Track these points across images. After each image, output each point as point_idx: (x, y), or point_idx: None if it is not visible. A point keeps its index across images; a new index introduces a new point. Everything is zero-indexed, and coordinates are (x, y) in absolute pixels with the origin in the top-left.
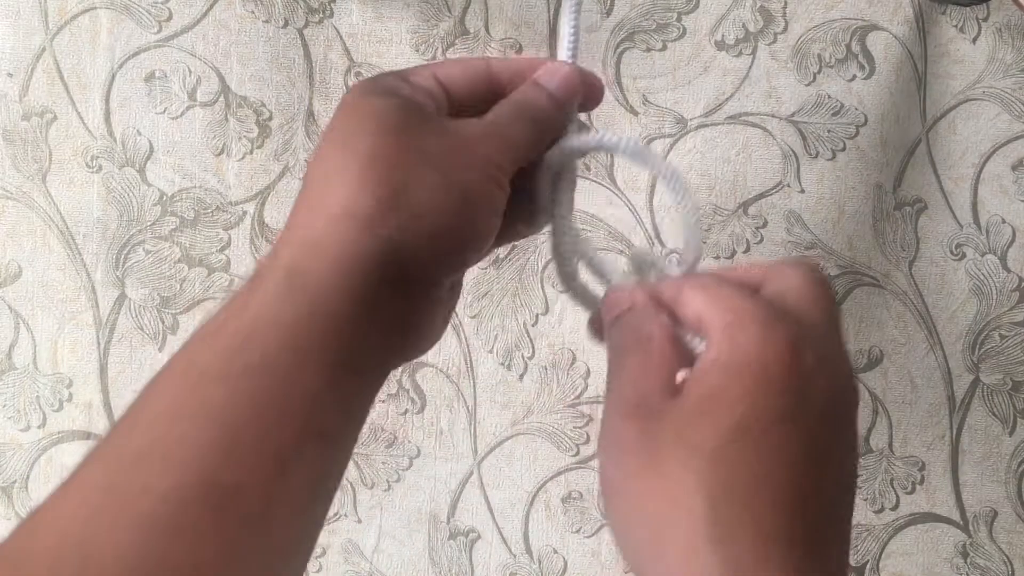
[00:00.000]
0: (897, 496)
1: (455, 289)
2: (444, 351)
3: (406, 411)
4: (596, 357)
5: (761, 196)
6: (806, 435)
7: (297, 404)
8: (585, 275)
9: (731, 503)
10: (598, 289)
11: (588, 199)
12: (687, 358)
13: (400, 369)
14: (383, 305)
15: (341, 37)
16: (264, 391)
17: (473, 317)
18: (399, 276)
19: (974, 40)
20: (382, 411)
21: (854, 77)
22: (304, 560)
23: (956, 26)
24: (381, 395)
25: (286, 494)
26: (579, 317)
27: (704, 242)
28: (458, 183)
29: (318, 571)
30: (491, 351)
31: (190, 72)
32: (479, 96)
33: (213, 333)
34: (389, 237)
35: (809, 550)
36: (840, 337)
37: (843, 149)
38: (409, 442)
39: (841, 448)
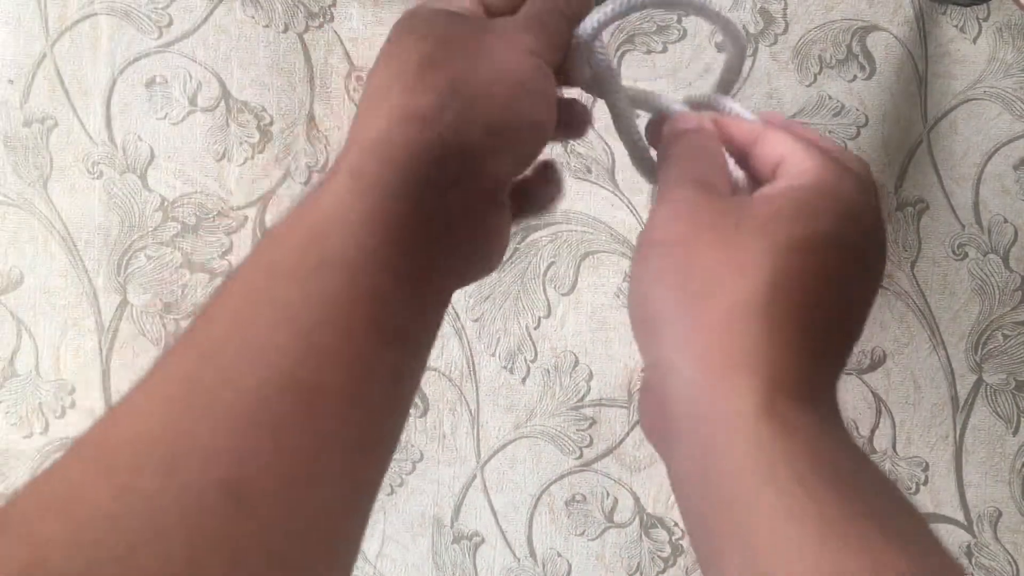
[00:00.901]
0: None
1: (511, 209)
2: (446, 355)
3: (409, 415)
4: (598, 360)
5: None
6: (865, 271)
7: (369, 303)
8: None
9: (793, 292)
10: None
11: (589, 202)
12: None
13: None
14: (445, 202)
15: (342, 41)
16: (335, 289)
17: (475, 320)
18: (459, 170)
19: (975, 40)
20: None
21: (855, 78)
22: (384, 464)
23: (956, 26)
24: None
25: (367, 394)
26: (581, 320)
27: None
28: (508, 71)
29: None
30: (493, 354)
31: (190, 77)
32: (512, 8)
33: (284, 233)
34: (449, 130)
35: (835, 357)
36: None
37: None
38: (412, 446)
39: (873, 295)
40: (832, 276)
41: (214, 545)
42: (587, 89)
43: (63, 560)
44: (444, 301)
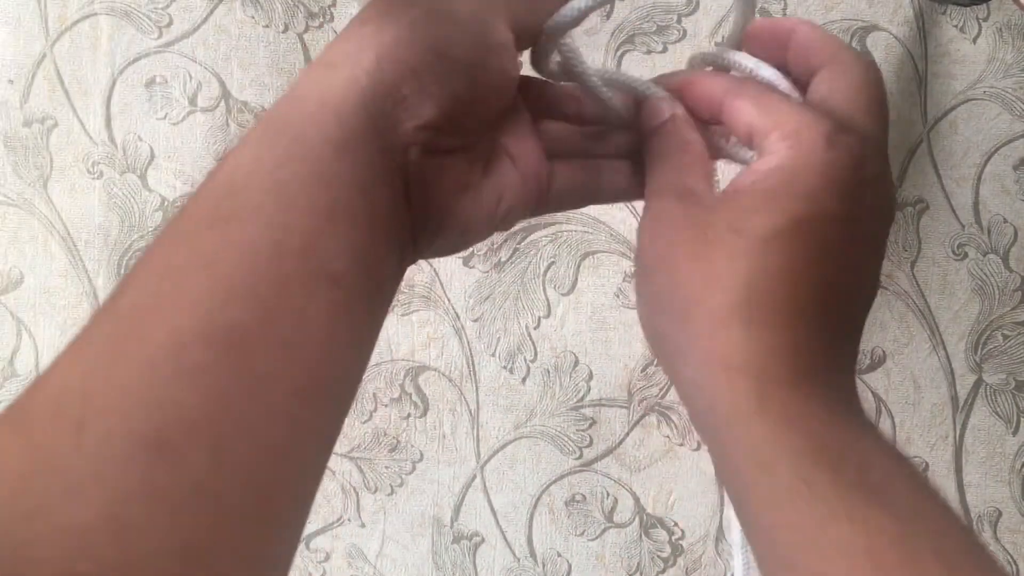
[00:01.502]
0: None
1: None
2: (446, 355)
3: (408, 415)
4: (598, 360)
5: None
6: (855, 239)
7: (290, 246)
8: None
9: (770, 288)
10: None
11: None
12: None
13: (402, 373)
14: (367, 149)
15: None
16: (254, 233)
17: (475, 320)
18: (374, 111)
19: (974, 40)
20: (384, 416)
21: None
22: (332, 415)
23: (956, 26)
24: (383, 399)
25: (299, 338)
26: (581, 320)
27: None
28: (461, 18)
29: None
30: (493, 354)
31: (190, 77)
32: None
33: (198, 191)
34: (368, 72)
35: (833, 340)
36: (886, 148)
37: None
38: (412, 446)
39: (877, 259)
40: (814, 258)
41: (134, 496)
42: (556, 77)
43: None
44: (380, 242)
